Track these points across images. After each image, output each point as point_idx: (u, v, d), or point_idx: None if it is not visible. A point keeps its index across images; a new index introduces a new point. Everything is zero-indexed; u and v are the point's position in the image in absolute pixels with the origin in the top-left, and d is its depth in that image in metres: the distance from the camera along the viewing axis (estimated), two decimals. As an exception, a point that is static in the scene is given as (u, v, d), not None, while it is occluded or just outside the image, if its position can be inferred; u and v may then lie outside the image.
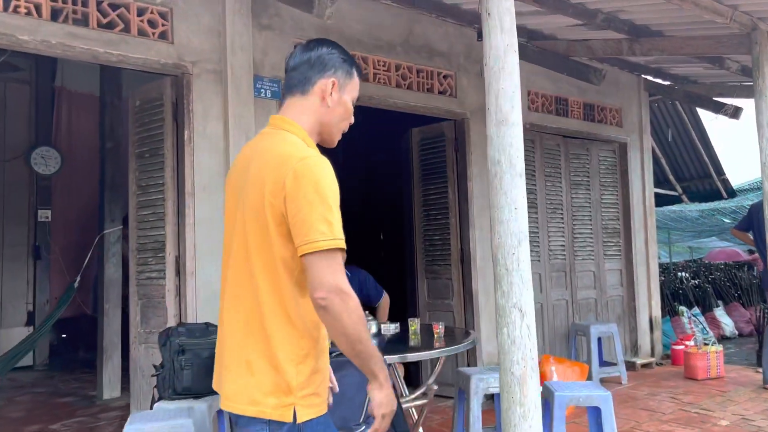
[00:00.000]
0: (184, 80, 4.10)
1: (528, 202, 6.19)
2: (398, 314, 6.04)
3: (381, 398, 1.63)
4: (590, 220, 6.93)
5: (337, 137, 1.86)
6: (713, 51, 4.48)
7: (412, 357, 3.18)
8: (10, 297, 7.90)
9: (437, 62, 5.54)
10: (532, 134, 6.35)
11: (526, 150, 6.22)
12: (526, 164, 6.19)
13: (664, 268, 11.64)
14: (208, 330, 3.79)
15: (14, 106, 8.00)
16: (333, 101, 1.78)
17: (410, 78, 5.34)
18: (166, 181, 4.12)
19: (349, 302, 1.55)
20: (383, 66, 5.17)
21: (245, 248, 1.66)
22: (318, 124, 1.79)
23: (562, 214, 6.64)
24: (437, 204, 5.87)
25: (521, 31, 5.63)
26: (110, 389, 6.05)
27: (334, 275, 1.54)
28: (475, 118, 5.75)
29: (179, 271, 4.06)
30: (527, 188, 6.23)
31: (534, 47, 5.60)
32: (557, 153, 6.67)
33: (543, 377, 5.14)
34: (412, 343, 3.50)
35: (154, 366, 3.74)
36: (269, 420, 1.59)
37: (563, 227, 6.64)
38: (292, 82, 1.79)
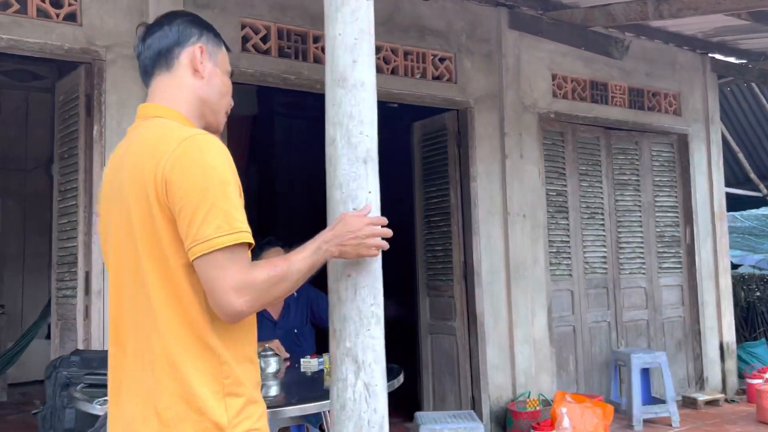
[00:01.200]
0: (95, 67, 3.54)
1: (556, 206, 5.29)
2: (404, 334, 5.26)
3: (338, 253, 1.45)
4: (640, 227, 5.82)
5: (223, 118, 1.53)
6: (758, 3, 3.42)
7: (291, 410, 2.40)
8: (31, 309, 7.74)
9: (431, 42, 4.72)
10: (560, 125, 5.38)
11: (551, 144, 5.28)
12: (552, 161, 5.29)
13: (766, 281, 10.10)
14: (110, 359, 3.21)
15: (36, 115, 7.88)
16: (207, 71, 1.47)
17: (395, 62, 4.56)
18: (78, 184, 3.57)
19: (261, 294, 1.27)
20: (359, 48, 4.42)
21: (136, 267, 1.32)
22: (198, 103, 1.47)
23: (602, 219, 5.59)
24: (439, 208, 5.03)
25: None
26: (92, 412, 5.62)
27: (238, 284, 1.23)
28: (480, 106, 4.88)
29: (88, 289, 3.50)
30: (555, 189, 5.31)
31: (548, 19, 4.67)
32: (595, 147, 5.64)
33: (552, 421, 4.18)
34: (326, 384, 2.73)
35: (34, 403, 3.19)
36: None
37: (604, 235, 5.59)
38: (149, 62, 1.48)
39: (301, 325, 3.62)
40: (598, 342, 5.48)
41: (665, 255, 5.94)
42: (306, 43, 4.23)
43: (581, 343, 5.36)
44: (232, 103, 1.56)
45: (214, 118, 1.50)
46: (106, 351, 3.24)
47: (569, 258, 5.35)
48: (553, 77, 5.31)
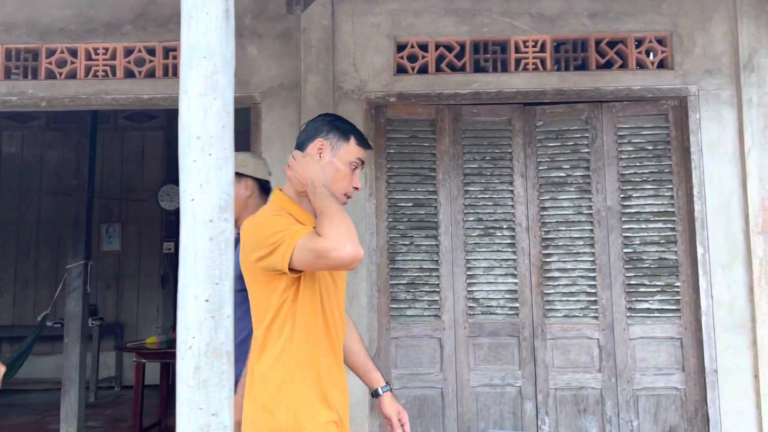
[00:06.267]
0: None
1: (412, 222, 4.05)
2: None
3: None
4: (591, 246, 3.84)
5: (339, 199, 1.86)
6: None
7: None
8: (144, 322, 8.73)
9: (200, 32, 3.91)
10: (429, 111, 3.94)
11: (410, 137, 3.90)
12: (410, 161, 3.89)
13: None
14: None
15: (150, 151, 8.89)
16: (324, 161, 1.84)
17: (151, 62, 3.92)
18: None
19: None
20: (103, 54, 3.92)
21: None
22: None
23: (512, 236, 3.86)
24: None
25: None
26: (67, 424, 6.06)
27: None
28: (272, 101, 3.87)
29: None
30: (413, 198, 3.90)
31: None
32: (504, 134, 3.93)
33: None
34: None
35: None
36: None
37: (515, 259, 3.85)
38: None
39: None
40: (496, 414, 3.77)
41: (645, 290, 3.79)
42: (38, 60, 3.93)
43: (455, 415, 3.77)
44: (351, 188, 1.89)
45: None
46: None
47: (436, 293, 3.82)
48: (401, 47, 3.89)
